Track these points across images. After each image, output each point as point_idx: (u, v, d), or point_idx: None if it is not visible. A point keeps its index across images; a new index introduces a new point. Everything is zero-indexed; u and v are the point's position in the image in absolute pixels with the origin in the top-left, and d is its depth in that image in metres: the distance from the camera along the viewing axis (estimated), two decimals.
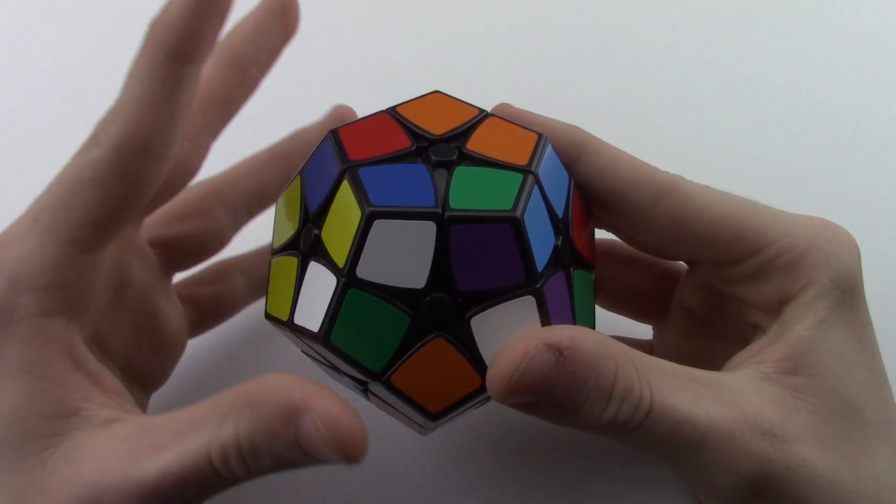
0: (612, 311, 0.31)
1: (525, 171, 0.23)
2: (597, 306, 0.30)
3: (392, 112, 0.25)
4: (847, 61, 0.43)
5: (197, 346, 0.32)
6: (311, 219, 0.24)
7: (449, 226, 0.21)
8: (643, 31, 0.44)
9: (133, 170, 0.24)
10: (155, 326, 0.28)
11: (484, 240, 0.22)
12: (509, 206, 0.22)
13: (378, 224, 0.21)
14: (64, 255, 0.23)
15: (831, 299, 0.24)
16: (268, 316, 0.25)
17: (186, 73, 0.24)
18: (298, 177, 0.25)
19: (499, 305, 0.22)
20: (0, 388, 0.22)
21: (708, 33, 0.44)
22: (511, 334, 0.22)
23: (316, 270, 0.23)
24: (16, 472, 0.22)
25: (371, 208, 0.21)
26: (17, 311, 0.23)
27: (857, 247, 0.25)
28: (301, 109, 0.34)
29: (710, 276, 0.27)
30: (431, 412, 0.23)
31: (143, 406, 0.29)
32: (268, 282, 0.26)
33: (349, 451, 0.20)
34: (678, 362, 0.28)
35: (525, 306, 0.22)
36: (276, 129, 0.33)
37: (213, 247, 0.31)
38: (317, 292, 0.23)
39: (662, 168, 0.26)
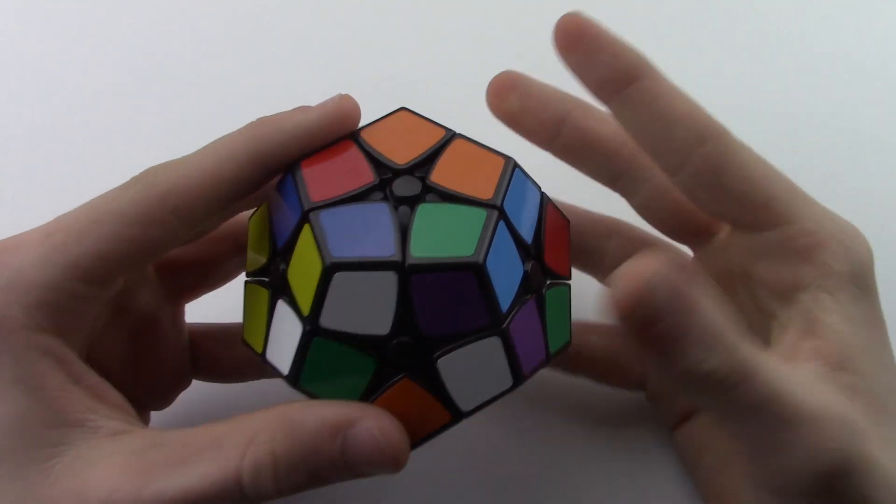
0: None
1: (489, 206, 0.22)
2: (579, 302, 0.30)
3: (357, 138, 0.24)
4: (842, 62, 0.42)
5: None
6: (280, 252, 0.24)
7: (410, 275, 0.21)
8: (640, 31, 0.42)
9: (165, 224, 0.23)
10: (155, 353, 0.28)
11: (446, 287, 0.21)
12: (471, 252, 0.21)
13: (338, 276, 0.21)
14: (62, 277, 0.23)
15: (851, 294, 0.24)
16: (244, 342, 0.25)
17: (269, 172, 0.24)
18: (266, 204, 0.25)
19: (464, 347, 0.22)
20: None
21: (704, 32, 0.43)
22: (479, 372, 0.23)
23: (283, 311, 0.23)
24: (17, 479, 0.22)
25: (331, 260, 0.21)
26: (9, 322, 0.22)
27: (871, 253, 0.25)
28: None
29: (726, 249, 0.27)
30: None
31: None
32: (243, 304, 0.26)
33: (401, 457, 0.22)
34: None
35: (491, 347, 0.22)
36: None
37: (218, 272, 0.30)
38: (284, 334, 0.23)
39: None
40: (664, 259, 0.19)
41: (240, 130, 0.24)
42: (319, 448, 0.21)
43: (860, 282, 0.24)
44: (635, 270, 0.19)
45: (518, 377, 0.23)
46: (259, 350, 0.24)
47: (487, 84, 0.27)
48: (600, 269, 0.30)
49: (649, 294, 0.19)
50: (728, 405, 0.21)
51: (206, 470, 0.21)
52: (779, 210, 0.25)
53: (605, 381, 0.30)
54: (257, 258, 0.25)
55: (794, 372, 0.22)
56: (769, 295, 0.26)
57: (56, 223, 0.23)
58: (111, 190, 0.24)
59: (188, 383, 0.30)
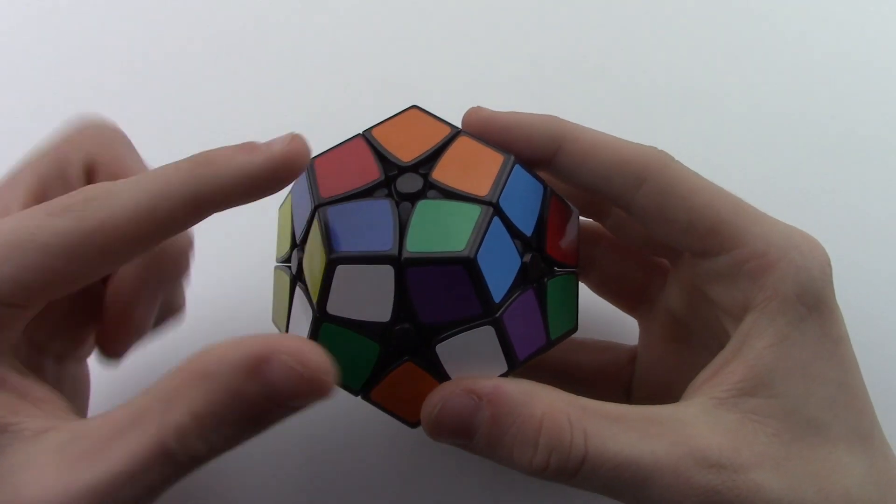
0: (598, 293, 0.31)
1: (484, 202, 0.24)
2: (586, 302, 0.31)
3: (367, 135, 0.26)
4: (842, 63, 0.40)
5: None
6: (299, 242, 0.26)
7: (406, 268, 0.23)
8: (635, 33, 0.41)
9: (90, 261, 0.23)
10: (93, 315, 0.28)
11: (439, 279, 0.23)
12: (462, 247, 0.23)
13: (340, 269, 0.23)
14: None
15: (794, 315, 0.24)
16: (274, 321, 0.28)
17: (205, 213, 0.23)
18: (290, 194, 0.27)
19: (460, 334, 0.24)
20: None
21: (695, 36, 0.41)
22: (475, 358, 0.24)
23: (300, 297, 0.25)
24: None
25: (333, 254, 0.23)
26: None
27: (829, 263, 0.25)
28: (299, 111, 0.35)
29: (688, 271, 0.27)
30: (410, 421, 0.25)
31: (81, 378, 0.29)
32: (273, 288, 0.28)
33: (324, 382, 0.20)
34: (659, 369, 0.29)
35: (485, 335, 0.24)
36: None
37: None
38: (300, 318, 0.25)
39: None
40: (455, 382, 0.23)
41: (178, 165, 0.23)
42: (239, 394, 0.20)
43: (808, 300, 0.24)
44: (427, 402, 0.23)
45: (513, 362, 0.24)
46: (283, 331, 0.26)
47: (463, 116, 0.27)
48: (590, 276, 0.31)
49: (442, 419, 0.23)
50: (584, 486, 0.23)
51: (129, 448, 0.20)
52: (727, 235, 0.25)
53: (593, 395, 0.31)
54: (283, 246, 0.27)
55: (674, 415, 0.24)
56: (724, 315, 0.26)
57: None
58: (38, 209, 0.23)
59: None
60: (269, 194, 0.24)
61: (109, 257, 0.23)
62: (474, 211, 0.23)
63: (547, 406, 0.23)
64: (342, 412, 0.31)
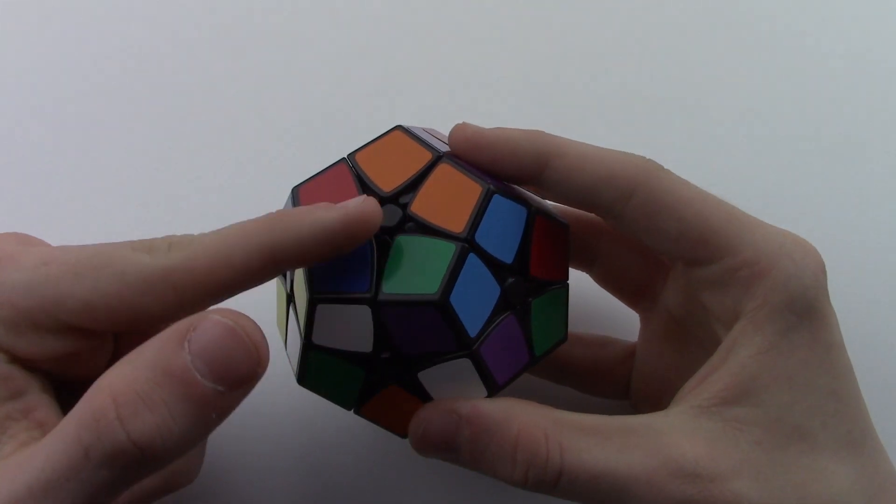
0: (601, 285, 0.31)
1: (460, 240, 0.24)
2: (588, 288, 0.31)
3: (350, 161, 0.26)
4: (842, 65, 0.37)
5: None
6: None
7: (381, 308, 0.24)
8: (629, 37, 0.38)
9: (162, 298, 0.22)
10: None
11: (415, 319, 0.24)
12: (434, 290, 0.23)
13: (321, 307, 0.24)
14: (41, 309, 0.22)
15: (783, 323, 0.24)
16: (278, 325, 0.29)
17: (279, 268, 0.23)
18: None
19: (440, 364, 0.25)
20: None
21: (689, 41, 0.39)
22: (456, 384, 0.25)
23: (293, 319, 0.26)
24: None
25: (313, 295, 0.24)
26: None
27: (822, 268, 0.24)
28: (300, 113, 0.34)
29: (684, 278, 0.27)
30: (401, 434, 0.27)
31: None
32: (276, 296, 0.29)
33: (259, 347, 0.20)
34: (657, 367, 0.29)
35: (463, 366, 0.25)
36: (275, 132, 0.33)
37: None
38: (293, 340, 0.26)
39: None
40: (437, 404, 0.24)
41: (257, 220, 0.23)
42: (168, 367, 0.19)
43: (799, 308, 0.24)
44: (412, 422, 0.25)
45: (492, 388, 0.25)
46: (283, 336, 0.28)
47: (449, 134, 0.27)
48: (593, 266, 0.31)
49: (426, 438, 0.24)
50: (564, 496, 0.24)
51: (48, 452, 0.19)
52: (718, 244, 0.24)
53: (590, 390, 0.32)
54: None
55: (653, 424, 0.24)
56: (716, 323, 0.26)
57: (58, 253, 0.23)
58: (123, 243, 0.23)
59: None
60: (341, 253, 0.23)
61: (182, 299, 0.22)
62: (448, 249, 0.24)
63: (523, 423, 0.24)
64: (339, 413, 0.32)
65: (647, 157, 0.26)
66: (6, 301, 0.22)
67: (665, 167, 0.26)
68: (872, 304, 0.34)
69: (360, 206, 0.23)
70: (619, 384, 0.31)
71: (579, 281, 0.31)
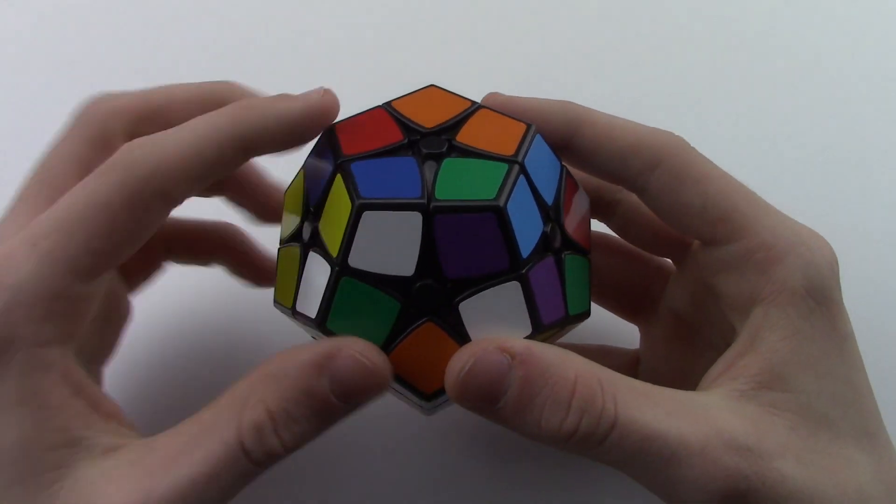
0: (598, 303, 0.31)
1: (511, 160, 0.24)
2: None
3: (387, 107, 0.26)
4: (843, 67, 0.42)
5: (202, 342, 0.34)
6: (312, 212, 0.25)
7: (434, 216, 0.22)
8: (642, 26, 0.44)
9: (150, 208, 0.23)
10: (113, 313, 0.29)
11: (468, 228, 0.22)
12: (492, 196, 0.22)
13: (367, 215, 0.22)
14: (62, 284, 0.22)
15: (805, 308, 0.24)
16: (276, 303, 0.27)
17: (249, 155, 0.25)
18: (302, 172, 0.27)
19: (485, 291, 0.23)
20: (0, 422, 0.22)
21: (707, 34, 0.44)
22: (499, 318, 0.23)
23: (314, 260, 0.24)
24: None
25: (360, 200, 0.22)
26: (14, 343, 0.22)
27: (836, 261, 0.25)
28: None
29: (695, 265, 0.27)
30: (426, 393, 0.24)
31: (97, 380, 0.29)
32: (276, 271, 0.27)
33: (385, 373, 0.22)
34: (664, 371, 0.29)
35: (511, 291, 0.23)
36: None
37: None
38: (315, 280, 0.24)
39: None
40: (487, 340, 0.23)
41: (222, 111, 0.24)
42: (310, 389, 0.22)
43: (817, 295, 0.24)
44: (455, 360, 0.23)
45: (537, 324, 0.24)
46: (289, 305, 0.25)
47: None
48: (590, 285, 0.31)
49: (472, 378, 0.22)
50: (607, 457, 0.22)
51: (207, 450, 0.21)
52: (738, 223, 0.25)
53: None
54: (289, 225, 0.26)
55: (696, 398, 0.23)
56: (730, 308, 0.26)
57: (37, 229, 0.23)
58: (87, 179, 0.23)
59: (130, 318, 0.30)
60: (302, 144, 0.25)
61: (168, 201, 0.24)
62: (501, 168, 0.23)
63: (580, 369, 0.22)
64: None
65: (675, 133, 0.27)
66: (30, 298, 0.22)
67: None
68: (879, 303, 0.35)
69: (321, 97, 0.25)
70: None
71: None
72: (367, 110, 0.26)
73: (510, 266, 0.23)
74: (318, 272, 0.24)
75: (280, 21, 0.41)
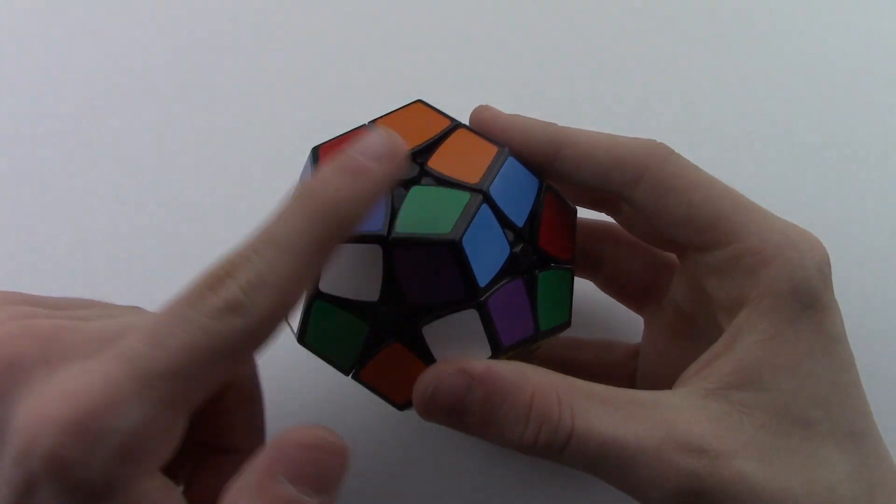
0: (606, 292, 0.31)
1: (475, 189, 0.24)
2: (590, 299, 0.31)
3: (370, 126, 0.27)
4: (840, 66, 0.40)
5: None
6: None
7: (393, 248, 0.24)
8: (638, 30, 0.41)
9: (266, 341, 0.22)
10: None
11: (425, 260, 0.24)
12: (448, 230, 0.23)
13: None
14: (175, 423, 0.21)
15: (789, 312, 0.24)
16: None
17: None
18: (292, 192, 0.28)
19: (446, 317, 0.24)
20: None
21: (698, 34, 0.42)
22: (460, 341, 0.25)
23: None
24: None
25: None
26: (117, 481, 0.20)
27: (827, 261, 0.25)
28: (305, 110, 0.35)
29: (691, 264, 0.27)
30: (397, 402, 0.26)
31: None
32: None
33: (332, 440, 0.21)
34: (661, 364, 0.29)
35: (470, 318, 0.24)
36: (277, 130, 0.34)
37: None
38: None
39: None
40: (448, 362, 0.24)
41: (300, 226, 0.22)
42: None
43: (803, 298, 0.24)
44: (420, 382, 0.24)
45: (497, 347, 0.25)
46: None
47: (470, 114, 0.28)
48: (598, 274, 0.31)
49: (436, 399, 0.23)
50: (570, 462, 0.23)
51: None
52: (725, 230, 0.25)
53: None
54: None
55: (660, 400, 0.24)
56: (720, 310, 0.26)
57: (148, 364, 0.20)
58: (203, 320, 0.20)
59: None
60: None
61: (269, 339, 0.22)
62: (464, 197, 0.24)
63: (536, 384, 0.24)
64: (333, 400, 0.32)
65: (659, 141, 0.27)
66: (142, 443, 0.20)
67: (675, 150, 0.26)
68: (875, 300, 0.34)
69: (394, 146, 0.23)
70: (624, 386, 0.30)
71: (579, 288, 0.31)
72: (351, 130, 0.27)
73: (466, 296, 0.24)
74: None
75: (276, 26, 0.41)
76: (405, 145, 0.23)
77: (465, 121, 0.28)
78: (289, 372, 0.32)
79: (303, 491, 0.20)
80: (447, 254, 0.23)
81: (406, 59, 0.40)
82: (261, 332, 0.21)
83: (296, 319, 0.26)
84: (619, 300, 0.32)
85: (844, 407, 0.24)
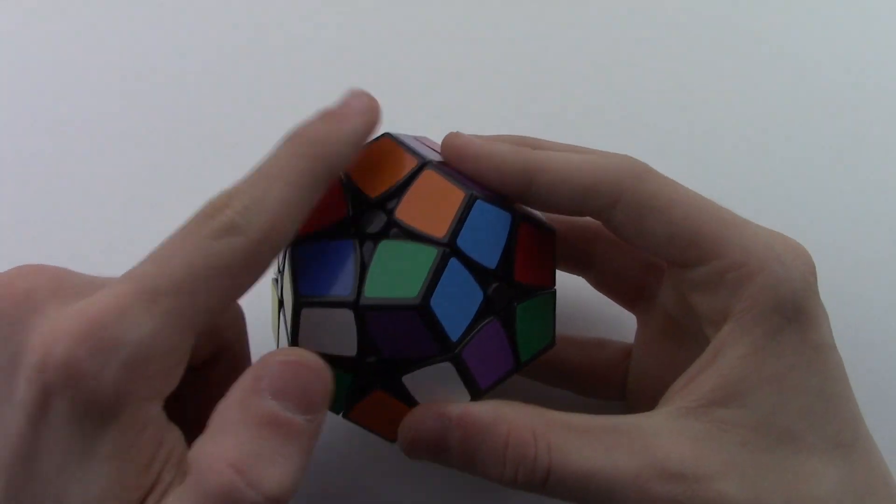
0: (598, 289, 0.31)
1: (441, 244, 0.24)
2: (584, 301, 0.31)
3: None
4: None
5: None
6: (280, 269, 0.27)
7: (364, 312, 0.24)
8: (626, 35, 0.39)
9: (263, 264, 0.23)
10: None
11: (396, 322, 0.24)
12: (414, 294, 0.24)
13: (305, 311, 0.24)
14: (181, 341, 0.22)
15: (770, 326, 0.24)
16: (273, 329, 0.30)
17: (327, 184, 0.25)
18: None
19: (423, 369, 0.25)
20: (88, 472, 0.20)
21: (685, 40, 0.39)
22: (440, 388, 0.25)
23: (282, 324, 0.27)
24: None
25: (298, 298, 0.24)
26: (126, 399, 0.21)
27: (813, 271, 0.24)
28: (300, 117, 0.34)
29: (674, 277, 0.27)
30: (389, 438, 0.27)
31: None
32: (271, 301, 0.30)
33: (314, 361, 0.23)
34: (655, 366, 0.30)
35: (446, 369, 0.25)
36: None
37: None
38: (283, 342, 0.27)
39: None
40: (427, 407, 0.25)
41: (294, 153, 0.24)
42: (263, 418, 0.22)
43: (787, 311, 0.24)
44: (401, 427, 0.25)
45: (475, 392, 0.25)
46: (276, 342, 0.28)
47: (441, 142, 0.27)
48: (589, 272, 0.31)
49: (417, 442, 0.24)
50: (553, 495, 0.24)
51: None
52: (707, 246, 0.24)
53: (586, 392, 0.32)
54: (273, 265, 0.29)
55: (639, 425, 0.24)
56: (705, 323, 0.26)
57: (155, 282, 0.21)
58: (201, 239, 0.22)
59: None
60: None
61: (274, 258, 0.23)
62: (430, 254, 0.24)
63: (512, 423, 0.24)
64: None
65: (633, 158, 0.26)
66: (147, 356, 0.21)
67: (651, 167, 0.26)
68: (865, 304, 0.34)
69: (368, 104, 0.26)
70: (615, 385, 0.31)
71: (573, 285, 0.31)
72: None
73: (440, 351, 0.24)
74: (284, 338, 0.27)
75: (269, 29, 0.40)
76: (379, 106, 0.26)
77: (437, 136, 0.27)
78: None
79: (287, 408, 0.22)
80: (416, 317, 0.24)
81: (396, 66, 0.39)
82: (257, 253, 0.22)
83: None
84: (610, 297, 0.32)
85: (831, 417, 0.24)
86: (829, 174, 0.37)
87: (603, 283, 0.32)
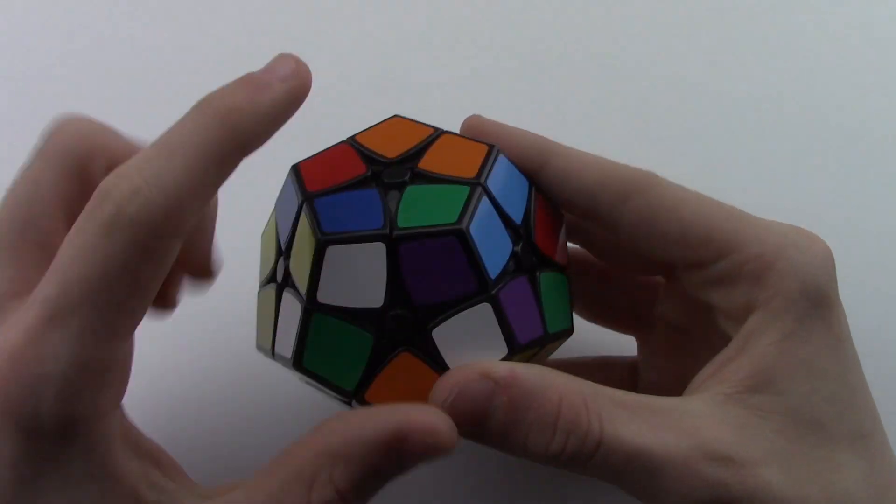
0: (592, 321, 0.31)
1: (473, 182, 0.24)
2: (578, 317, 0.30)
3: (351, 141, 0.26)
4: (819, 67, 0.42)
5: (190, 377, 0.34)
6: (284, 252, 0.25)
7: (398, 244, 0.22)
8: (633, 31, 0.43)
9: (168, 252, 0.21)
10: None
11: (432, 254, 0.22)
12: (454, 220, 0.22)
13: (331, 250, 0.22)
14: (109, 352, 0.21)
15: (798, 311, 0.23)
16: (258, 347, 0.27)
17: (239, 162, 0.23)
18: (273, 213, 0.27)
19: (457, 315, 0.23)
20: (71, 499, 0.21)
21: (694, 35, 0.43)
22: (474, 342, 0.23)
23: (288, 299, 0.24)
24: None
25: (323, 236, 0.22)
26: (75, 424, 0.20)
27: (831, 257, 0.24)
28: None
29: (684, 282, 0.27)
30: None
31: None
32: (256, 315, 0.27)
33: (451, 445, 0.22)
34: (663, 379, 0.28)
35: (483, 314, 0.23)
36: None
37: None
38: (289, 320, 0.24)
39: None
40: (470, 366, 0.23)
41: (201, 122, 0.22)
42: (380, 468, 0.22)
43: (812, 296, 0.24)
44: (439, 388, 0.22)
45: (513, 345, 0.23)
46: (269, 348, 0.25)
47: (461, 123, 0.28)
48: (581, 307, 0.31)
49: (458, 406, 0.22)
50: (595, 473, 0.22)
51: None
52: (721, 241, 0.24)
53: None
54: (266, 266, 0.26)
55: (682, 407, 0.23)
56: (725, 319, 0.25)
57: (56, 301, 0.20)
58: (90, 239, 0.20)
59: None
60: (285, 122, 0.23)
61: (179, 240, 0.21)
62: (463, 190, 0.23)
63: (563, 389, 0.22)
64: None
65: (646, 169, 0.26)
66: (76, 378, 0.20)
67: (663, 175, 0.26)
68: (879, 302, 0.34)
69: (295, 70, 0.23)
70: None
71: None
72: (332, 146, 0.26)
73: (478, 288, 0.23)
74: (291, 311, 0.24)
75: (267, 27, 0.42)
76: (310, 73, 0.23)
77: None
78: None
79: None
80: (456, 243, 0.22)
81: (396, 66, 0.40)
82: (155, 243, 0.20)
83: (287, 347, 0.24)
84: (605, 326, 0.31)
85: (854, 407, 0.24)
86: (831, 174, 0.38)
87: (596, 315, 0.31)
